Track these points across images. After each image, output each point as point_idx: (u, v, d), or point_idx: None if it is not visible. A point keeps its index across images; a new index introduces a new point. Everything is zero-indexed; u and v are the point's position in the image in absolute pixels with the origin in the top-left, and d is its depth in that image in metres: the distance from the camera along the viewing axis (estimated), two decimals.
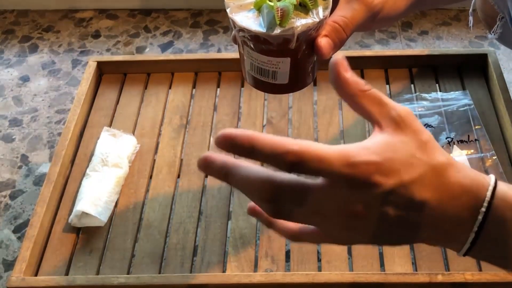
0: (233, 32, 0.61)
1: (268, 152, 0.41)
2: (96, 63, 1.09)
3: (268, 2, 0.56)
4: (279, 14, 0.54)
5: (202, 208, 0.90)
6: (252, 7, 0.57)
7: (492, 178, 0.46)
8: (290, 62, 0.58)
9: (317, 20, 0.56)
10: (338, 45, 0.63)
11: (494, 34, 0.99)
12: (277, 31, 0.54)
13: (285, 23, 0.54)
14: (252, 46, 0.57)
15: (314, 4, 0.56)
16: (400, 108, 0.45)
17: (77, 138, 1.00)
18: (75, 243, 0.87)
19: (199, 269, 0.83)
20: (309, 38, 0.57)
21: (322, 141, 0.96)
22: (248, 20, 0.56)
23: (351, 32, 0.64)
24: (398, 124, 0.45)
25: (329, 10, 0.58)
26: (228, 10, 0.58)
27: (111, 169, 0.92)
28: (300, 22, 0.55)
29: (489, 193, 0.44)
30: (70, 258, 0.85)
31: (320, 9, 0.57)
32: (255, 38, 0.56)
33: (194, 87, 1.08)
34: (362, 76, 1.06)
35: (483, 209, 0.44)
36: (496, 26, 0.97)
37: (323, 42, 0.60)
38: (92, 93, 1.07)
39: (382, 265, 0.82)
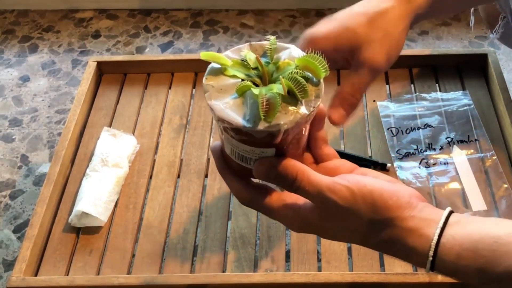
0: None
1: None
2: (96, 63, 1.09)
3: (253, 88, 0.49)
4: (264, 107, 0.47)
5: (202, 208, 0.90)
6: (235, 91, 0.49)
7: (435, 235, 0.50)
8: (275, 152, 0.51)
9: (307, 112, 0.48)
10: (350, 111, 0.63)
11: (496, 34, 0.99)
12: (261, 126, 0.47)
13: (270, 118, 0.47)
14: (232, 135, 0.50)
15: (303, 94, 0.49)
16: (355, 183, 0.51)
17: (77, 138, 1.00)
18: (75, 243, 0.87)
19: (199, 269, 0.83)
20: (298, 129, 0.50)
21: None
22: (229, 108, 0.49)
23: (361, 96, 0.65)
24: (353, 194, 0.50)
25: (320, 97, 0.50)
26: (206, 95, 0.50)
27: (111, 169, 0.92)
28: (288, 116, 0.48)
29: (428, 265, 0.50)
30: (70, 258, 0.85)
31: (312, 98, 0.50)
32: (236, 129, 0.49)
33: (194, 87, 1.08)
34: None
35: (428, 265, 0.50)
36: (498, 25, 0.97)
37: (336, 116, 0.62)
38: (92, 93, 1.07)
39: (382, 265, 0.82)
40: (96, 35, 1.82)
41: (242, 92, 0.49)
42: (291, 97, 0.49)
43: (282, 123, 0.47)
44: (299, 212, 0.52)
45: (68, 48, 1.78)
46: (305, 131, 0.53)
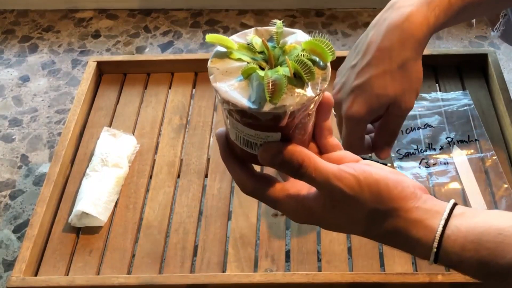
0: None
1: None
2: (96, 63, 1.09)
3: (258, 71, 0.48)
4: (269, 89, 0.46)
5: (202, 208, 0.90)
6: (240, 74, 0.49)
7: (438, 231, 0.50)
8: (280, 136, 0.50)
9: (313, 95, 0.48)
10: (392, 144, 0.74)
11: (497, 32, 0.99)
12: (267, 108, 0.47)
13: (276, 99, 0.47)
14: (237, 118, 0.49)
15: (310, 76, 0.48)
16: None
17: (77, 138, 1.00)
18: (75, 243, 0.87)
19: (199, 269, 0.83)
20: (304, 112, 0.50)
21: None
22: (234, 90, 0.48)
23: (366, 123, 0.71)
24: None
25: (327, 80, 0.49)
26: (211, 78, 0.50)
27: (111, 169, 0.92)
28: (294, 98, 0.47)
29: (432, 258, 0.50)
30: (70, 258, 0.85)
31: (319, 80, 0.49)
32: (242, 112, 0.48)
33: (194, 87, 1.08)
34: None
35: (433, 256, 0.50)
36: (499, 23, 0.97)
37: (385, 155, 0.74)
38: (92, 93, 1.07)
39: (382, 265, 0.82)
40: (96, 35, 1.82)
41: (247, 75, 0.49)
42: (297, 80, 0.48)
43: (287, 104, 0.47)
44: (302, 202, 0.51)
45: (68, 48, 1.78)
46: (311, 117, 0.52)
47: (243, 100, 0.47)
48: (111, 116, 1.03)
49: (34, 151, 1.48)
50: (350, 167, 0.50)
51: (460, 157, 0.92)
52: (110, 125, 1.02)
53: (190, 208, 0.90)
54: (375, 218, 0.50)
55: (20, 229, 1.31)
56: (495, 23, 0.98)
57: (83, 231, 0.88)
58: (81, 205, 0.87)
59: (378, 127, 0.74)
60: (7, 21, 1.89)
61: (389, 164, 0.91)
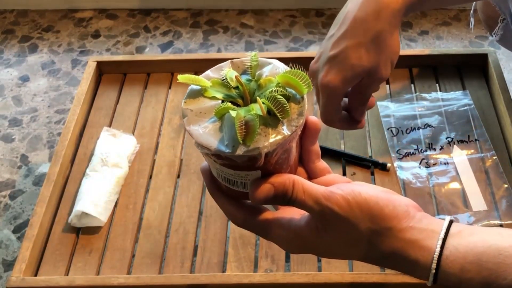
0: None
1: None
2: (96, 63, 1.08)
3: (231, 111, 0.46)
4: (242, 131, 0.44)
5: (202, 208, 0.90)
6: (214, 114, 0.47)
7: (436, 251, 0.48)
8: (261, 173, 0.49)
9: (289, 133, 0.46)
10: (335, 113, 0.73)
11: (495, 36, 0.99)
12: (240, 151, 0.45)
13: (249, 142, 0.45)
14: (214, 159, 0.48)
15: (284, 114, 0.46)
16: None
17: (77, 138, 1.00)
18: (75, 243, 0.87)
19: (199, 269, 0.83)
20: (282, 149, 0.48)
21: (322, 141, 0.96)
22: (207, 133, 0.46)
23: (342, 93, 0.71)
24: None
25: (303, 115, 0.47)
26: (184, 121, 0.48)
27: (111, 169, 0.92)
28: (268, 138, 0.45)
29: (431, 278, 0.48)
30: (70, 258, 0.85)
31: (294, 116, 0.47)
32: (216, 155, 0.46)
33: None
34: None
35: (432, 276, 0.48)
36: (497, 27, 0.97)
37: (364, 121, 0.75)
38: (92, 93, 1.07)
39: None
40: (96, 35, 1.82)
41: (221, 115, 0.47)
42: (272, 117, 0.46)
43: (261, 146, 0.45)
44: (295, 230, 0.50)
45: (68, 48, 1.78)
46: (293, 149, 0.51)
47: (216, 144, 0.46)
48: (111, 116, 1.03)
49: (34, 151, 1.48)
50: (339, 188, 0.49)
51: (460, 157, 0.92)
52: (110, 125, 1.02)
53: (190, 208, 0.90)
54: (371, 239, 0.49)
55: (20, 229, 1.31)
56: (493, 28, 0.98)
57: (83, 231, 0.88)
58: (81, 205, 0.87)
59: (352, 90, 0.74)
60: (7, 21, 1.88)
61: (389, 165, 0.91)
